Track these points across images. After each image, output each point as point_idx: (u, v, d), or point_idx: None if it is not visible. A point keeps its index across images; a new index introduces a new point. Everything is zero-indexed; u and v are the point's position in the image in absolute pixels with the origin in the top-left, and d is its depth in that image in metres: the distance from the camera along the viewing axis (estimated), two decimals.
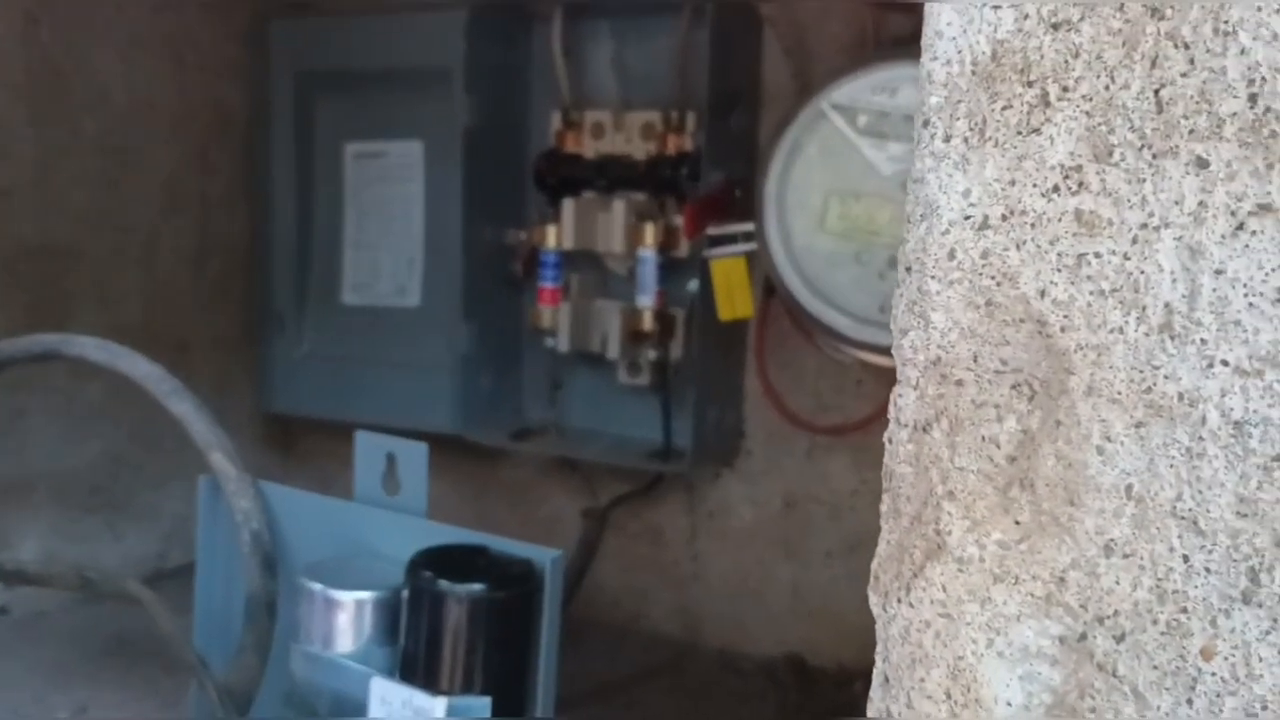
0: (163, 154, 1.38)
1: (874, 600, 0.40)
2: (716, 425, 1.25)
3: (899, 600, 0.39)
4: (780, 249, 1.01)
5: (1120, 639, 0.34)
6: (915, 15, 0.37)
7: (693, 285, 1.20)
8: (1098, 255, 0.33)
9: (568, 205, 1.23)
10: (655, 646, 1.32)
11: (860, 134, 0.94)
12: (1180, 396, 0.33)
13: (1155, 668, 0.34)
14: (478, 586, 0.71)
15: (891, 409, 0.39)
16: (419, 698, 0.70)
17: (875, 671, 0.40)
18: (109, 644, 1.21)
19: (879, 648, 0.40)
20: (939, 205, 0.36)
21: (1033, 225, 0.34)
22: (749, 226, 1.09)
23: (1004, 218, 0.35)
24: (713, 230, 1.15)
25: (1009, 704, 0.38)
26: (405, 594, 0.73)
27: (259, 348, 1.46)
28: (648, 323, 1.21)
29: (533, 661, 0.73)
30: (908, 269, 0.37)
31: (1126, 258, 0.33)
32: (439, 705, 0.69)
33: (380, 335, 1.38)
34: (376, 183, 1.38)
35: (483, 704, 0.70)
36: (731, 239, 1.13)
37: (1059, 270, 0.34)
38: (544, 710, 0.74)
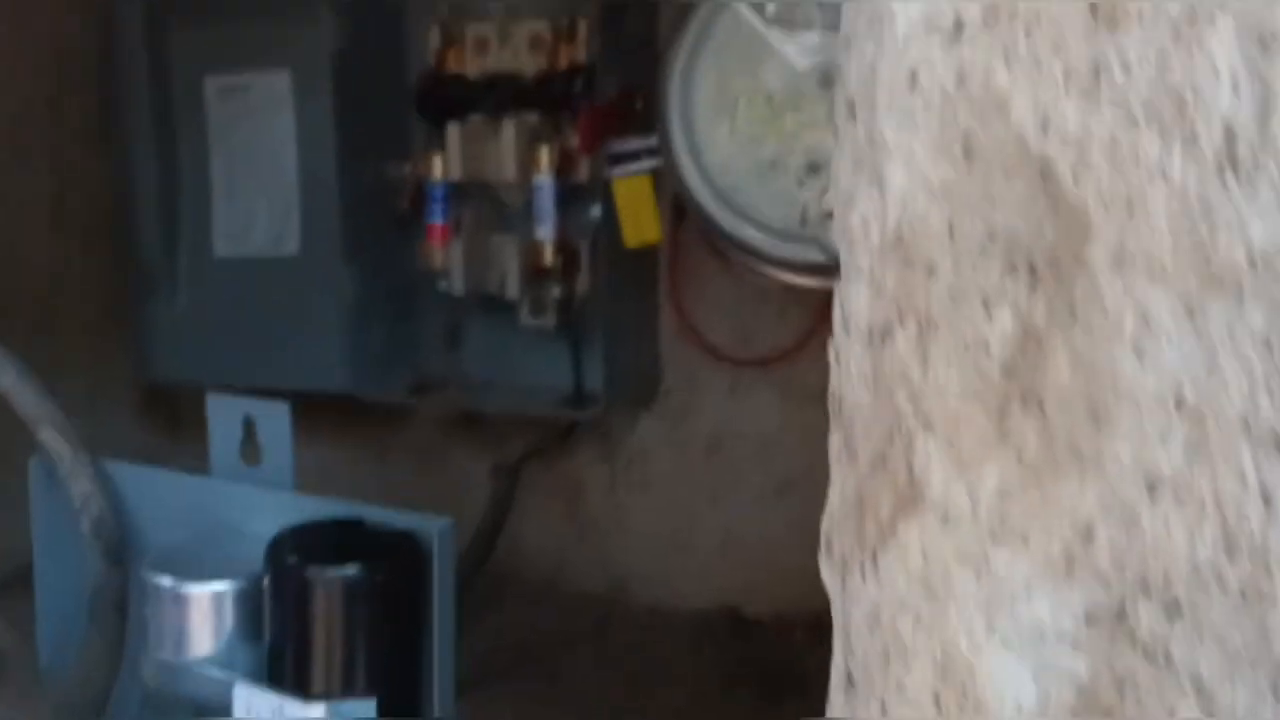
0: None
1: (828, 573, 0.29)
2: (631, 364, 1.15)
3: (863, 573, 0.28)
4: (688, 160, 0.90)
5: (1174, 612, 0.24)
6: None
7: (595, 212, 1.09)
8: (1123, 61, 0.23)
9: (453, 131, 1.12)
10: (579, 608, 1.22)
11: (769, 23, 0.83)
12: (1252, 260, 0.23)
13: (1225, 650, 0.24)
14: (350, 568, 0.60)
15: (836, 313, 0.28)
16: (292, 706, 0.59)
17: (834, 667, 0.29)
18: None
19: (838, 637, 0.29)
20: (892, 12, 0.25)
21: (1027, 26, 0.23)
22: (653, 141, 0.98)
23: (985, 20, 0.24)
24: (614, 148, 1.04)
25: (1019, 706, 0.28)
26: (266, 582, 0.62)
27: (130, 311, 1.31)
28: (549, 257, 1.10)
29: (425, 649, 0.63)
30: (850, 110, 0.26)
31: (1165, 62, 0.23)
32: (316, 712, 0.59)
33: (259, 289, 1.25)
34: (243, 119, 1.24)
35: (367, 706, 0.60)
36: (635, 156, 1.02)
37: (1067, 89, 0.23)
38: (442, 704, 0.63)
